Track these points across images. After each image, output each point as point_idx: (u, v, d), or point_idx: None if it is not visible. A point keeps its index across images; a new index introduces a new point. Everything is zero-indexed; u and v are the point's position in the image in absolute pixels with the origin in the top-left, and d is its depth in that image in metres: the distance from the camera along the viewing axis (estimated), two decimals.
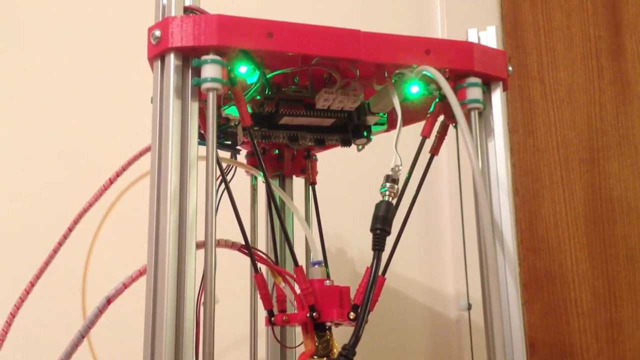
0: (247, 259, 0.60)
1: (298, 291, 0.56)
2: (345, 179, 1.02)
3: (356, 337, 0.50)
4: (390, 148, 0.56)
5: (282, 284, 0.59)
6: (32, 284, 0.67)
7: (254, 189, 0.75)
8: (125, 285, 0.56)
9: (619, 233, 1.11)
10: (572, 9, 1.18)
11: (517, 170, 1.11)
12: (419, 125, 0.62)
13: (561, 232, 1.10)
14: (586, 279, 1.09)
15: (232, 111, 0.63)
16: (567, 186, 1.12)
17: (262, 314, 0.65)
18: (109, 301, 0.56)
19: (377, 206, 0.54)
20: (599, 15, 1.18)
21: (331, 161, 0.80)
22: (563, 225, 1.11)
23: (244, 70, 0.54)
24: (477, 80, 0.57)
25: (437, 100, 0.59)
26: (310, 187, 0.74)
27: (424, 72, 0.55)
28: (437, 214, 1.08)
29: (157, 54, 0.52)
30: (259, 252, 0.60)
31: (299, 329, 0.59)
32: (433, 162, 0.59)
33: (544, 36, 1.17)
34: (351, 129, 0.68)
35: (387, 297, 0.58)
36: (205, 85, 0.50)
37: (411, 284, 1.05)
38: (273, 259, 0.68)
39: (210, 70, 0.50)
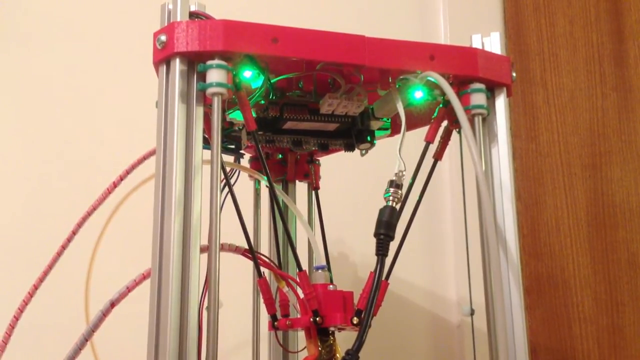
0: (250, 263, 0.60)
1: (301, 296, 0.56)
2: (348, 184, 1.02)
3: (360, 342, 0.50)
4: (393, 153, 0.56)
5: (286, 289, 0.59)
6: (36, 287, 0.67)
7: (257, 193, 0.76)
8: (129, 289, 0.56)
9: (621, 238, 1.11)
10: (575, 14, 1.18)
11: (519, 176, 1.11)
12: (421, 131, 0.62)
13: (563, 238, 1.10)
14: (588, 284, 1.09)
15: (236, 115, 0.63)
16: (570, 191, 1.12)
17: (264, 318, 0.65)
18: (112, 305, 0.56)
19: (381, 211, 0.54)
20: (602, 21, 1.18)
21: (334, 166, 0.80)
22: (565, 231, 1.10)
23: (248, 75, 0.55)
24: (481, 86, 0.57)
25: (441, 105, 0.59)
26: (313, 192, 0.74)
27: (428, 78, 0.55)
28: (438, 219, 1.08)
29: (163, 59, 0.52)
30: (262, 257, 0.60)
31: (301, 334, 0.59)
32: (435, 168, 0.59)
33: (547, 42, 1.17)
34: (355, 134, 0.68)
35: (389, 301, 0.58)
36: (210, 90, 0.51)
37: (413, 289, 1.05)
38: (276, 263, 0.69)
39: (216, 75, 0.50)
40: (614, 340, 1.07)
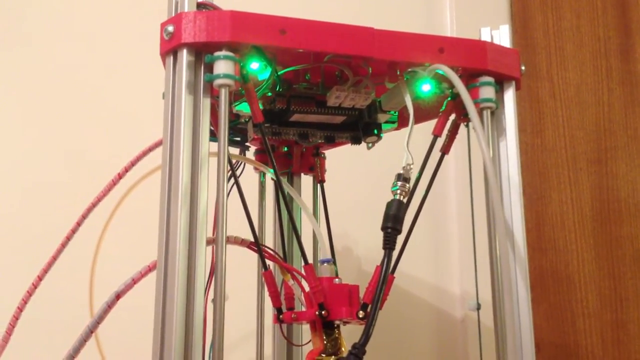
0: (255, 256, 0.59)
1: (307, 289, 0.56)
2: (354, 177, 1.01)
3: (366, 336, 0.50)
4: (399, 146, 0.55)
5: (291, 282, 0.59)
6: (40, 279, 0.67)
7: (262, 185, 0.75)
8: (135, 281, 0.55)
9: (625, 234, 1.11)
10: (582, 9, 1.18)
11: (524, 170, 1.11)
12: (428, 124, 0.61)
13: (568, 233, 1.10)
14: (592, 279, 1.09)
15: (243, 107, 0.63)
16: (575, 186, 1.11)
17: (269, 311, 0.65)
18: (117, 297, 0.55)
19: (389, 205, 0.54)
20: (609, 16, 1.18)
21: (340, 159, 0.79)
22: (570, 226, 1.10)
23: (256, 66, 0.54)
24: (490, 79, 0.57)
25: (449, 98, 0.59)
26: (318, 185, 0.74)
27: (437, 71, 0.55)
28: (443, 214, 1.07)
29: (170, 50, 0.51)
30: (267, 249, 0.59)
31: (306, 327, 0.59)
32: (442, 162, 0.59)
33: (554, 36, 1.16)
34: (362, 127, 0.67)
35: (393, 295, 0.57)
36: (217, 82, 0.50)
37: (417, 283, 1.04)
38: (281, 256, 0.68)
39: (223, 67, 0.50)
40: (618, 336, 1.07)
